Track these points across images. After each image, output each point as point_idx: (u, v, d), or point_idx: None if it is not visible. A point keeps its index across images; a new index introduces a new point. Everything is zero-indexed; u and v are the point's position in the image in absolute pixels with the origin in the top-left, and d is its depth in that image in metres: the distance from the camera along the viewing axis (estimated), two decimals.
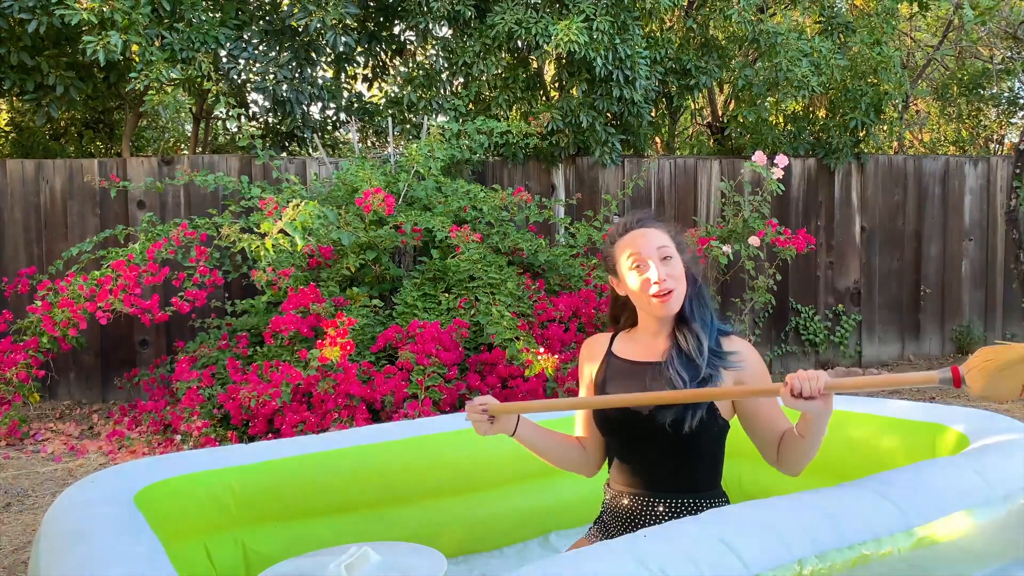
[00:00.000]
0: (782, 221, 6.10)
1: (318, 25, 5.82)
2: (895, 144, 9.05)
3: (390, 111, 6.57)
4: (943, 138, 10.71)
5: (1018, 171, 7.07)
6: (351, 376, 4.36)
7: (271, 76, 6.15)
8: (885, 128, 8.14)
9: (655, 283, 2.00)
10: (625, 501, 2.10)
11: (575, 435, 2.26)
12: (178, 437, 4.51)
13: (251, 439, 4.38)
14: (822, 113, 7.37)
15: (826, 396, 1.77)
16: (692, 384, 1.97)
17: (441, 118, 6.58)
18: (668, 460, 2.04)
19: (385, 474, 2.61)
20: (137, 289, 4.78)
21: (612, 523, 2.14)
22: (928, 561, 1.85)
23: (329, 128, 7.04)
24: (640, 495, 2.08)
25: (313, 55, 6.38)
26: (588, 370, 2.21)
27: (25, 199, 5.90)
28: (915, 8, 7.94)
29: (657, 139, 7.92)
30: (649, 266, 2.01)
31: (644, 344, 2.12)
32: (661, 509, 2.05)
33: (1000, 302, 7.51)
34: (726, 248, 5.44)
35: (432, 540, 2.43)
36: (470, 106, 6.54)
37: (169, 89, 5.45)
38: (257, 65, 6.22)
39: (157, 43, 5.53)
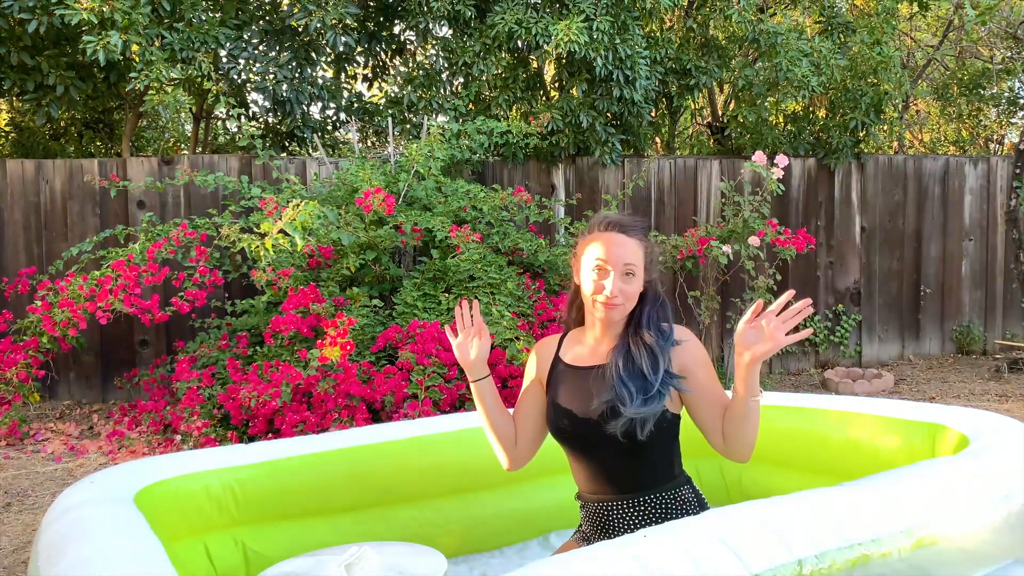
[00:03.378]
0: (782, 221, 6.10)
1: (318, 25, 5.82)
2: (895, 144, 9.05)
3: (390, 111, 6.57)
4: (943, 138, 10.71)
5: (1018, 171, 7.07)
6: (351, 376, 4.36)
7: (271, 76, 6.15)
8: (885, 128, 8.14)
9: (606, 294, 2.00)
10: (593, 508, 2.12)
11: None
12: (178, 437, 4.51)
13: (251, 439, 4.38)
14: (822, 113, 7.37)
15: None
16: (639, 397, 1.96)
17: (441, 118, 6.58)
18: (622, 463, 2.05)
19: (385, 474, 2.61)
20: (137, 289, 4.78)
21: (590, 531, 2.17)
22: (928, 561, 1.85)
23: (329, 128, 7.04)
24: (602, 500, 2.10)
25: (313, 55, 6.38)
26: (537, 372, 2.20)
27: (25, 199, 5.90)
28: (915, 8, 7.94)
29: (657, 139, 7.92)
30: (608, 274, 2.01)
31: (589, 347, 2.12)
32: (626, 509, 2.06)
33: (1000, 302, 7.51)
34: (726, 248, 5.44)
35: (432, 540, 2.44)
36: (470, 106, 6.54)
37: (169, 89, 5.45)
38: (257, 65, 6.22)
39: (157, 43, 5.53)
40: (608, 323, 2.06)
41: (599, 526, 2.11)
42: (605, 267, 2.01)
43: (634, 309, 2.07)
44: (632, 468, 2.05)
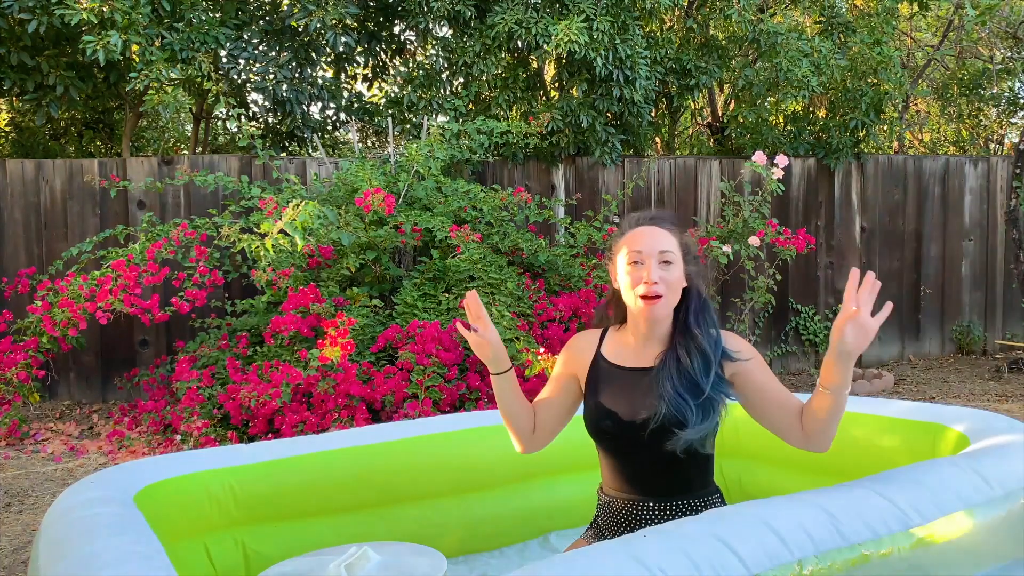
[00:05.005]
0: (782, 221, 6.10)
1: (318, 25, 5.82)
2: (895, 144, 9.05)
3: (390, 111, 6.57)
4: (943, 138, 10.71)
5: (1018, 171, 7.07)
6: (351, 376, 4.36)
7: (271, 76, 6.15)
8: (885, 128, 8.14)
9: (645, 283, 1.94)
10: (619, 506, 2.09)
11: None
12: (178, 437, 4.51)
13: (251, 439, 4.38)
14: (822, 113, 7.37)
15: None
16: (694, 405, 1.92)
17: (441, 118, 6.58)
18: (659, 469, 2.02)
19: (385, 474, 2.61)
20: (137, 289, 4.78)
21: (607, 526, 2.13)
22: (928, 561, 1.84)
23: (329, 128, 7.04)
24: (634, 500, 2.06)
25: (313, 55, 6.38)
26: (573, 365, 2.14)
27: (25, 199, 5.90)
28: (915, 8, 7.94)
29: (657, 139, 7.92)
30: (645, 264, 1.95)
31: (634, 348, 2.06)
32: (655, 512, 2.04)
33: (1000, 302, 7.51)
34: (726, 248, 5.43)
35: (432, 540, 2.43)
36: (470, 106, 6.54)
37: (169, 89, 5.45)
38: (257, 65, 6.22)
39: (157, 43, 5.53)
40: (652, 321, 1.99)
41: (622, 524, 2.08)
42: (642, 256, 1.96)
43: (678, 309, 2.01)
44: (669, 474, 2.02)
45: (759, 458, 3.00)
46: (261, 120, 6.91)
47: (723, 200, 5.93)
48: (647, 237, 1.98)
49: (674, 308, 2.02)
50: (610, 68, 6.02)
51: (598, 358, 2.11)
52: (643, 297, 1.95)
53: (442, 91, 6.56)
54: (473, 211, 5.40)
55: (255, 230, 4.88)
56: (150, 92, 5.40)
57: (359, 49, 6.85)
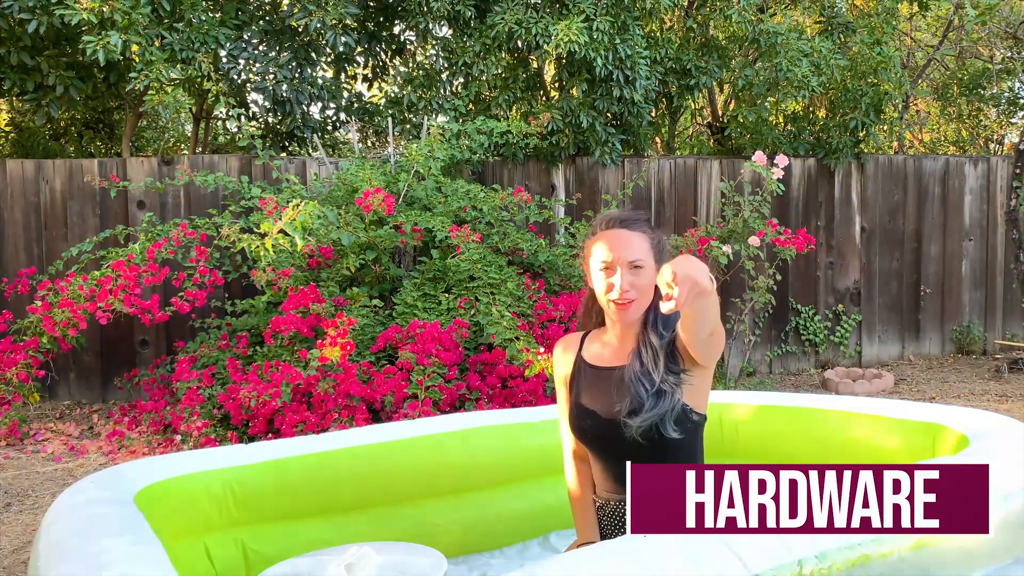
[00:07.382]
0: (782, 221, 6.10)
1: (318, 25, 5.82)
2: (895, 144, 9.05)
3: (390, 111, 6.57)
4: (943, 138, 10.70)
5: (1018, 171, 7.07)
6: (351, 376, 4.36)
7: (271, 76, 6.15)
8: (885, 128, 8.14)
9: (617, 289, 1.99)
10: (612, 507, 2.11)
11: (571, 446, 2.22)
12: (178, 437, 4.51)
13: (251, 439, 4.38)
14: (822, 113, 7.36)
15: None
16: (650, 395, 1.96)
17: (441, 118, 6.58)
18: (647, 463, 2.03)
19: (385, 474, 2.61)
20: (137, 289, 4.78)
21: (604, 528, 2.15)
22: (928, 561, 1.85)
23: (329, 128, 7.04)
24: (623, 500, 2.07)
25: (313, 55, 6.38)
26: (561, 371, 2.21)
27: (25, 199, 5.90)
28: (915, 8, 7.94)
29: (657, 139, 7.92)
30: (616, 271, 2.00)
31: (612, 348, 2.12)
32: None
33: (1000, 302, 7.51)
34: (726, 248, 5.43)
35: (432, 540, 2.43)
36: (470, 106, 6.54)
37: (169, 89, 5.44)
38: (257, 65, 6.22)
39: (157, 43, 5.53)
40: (626, 322, 2.05)
41: (617, 526, 2.10)
42: (612, 266, 2.01)
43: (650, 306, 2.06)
44: None
45: (758, 459, 3.00)
46: (261, 120, 6.91)
47: (723, 200, 5.93)
48: (617, 244, 2.02)
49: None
50: (610, 68, 6.02)
51: (579, 361, 2.17)
52: (614, 302, 2.01)
53: (442, 91, 6.56)
54: (473, 211, 5.40)
55: (255, 230, 4.88)
56: (150, 92, 5.39)
57: (359, 49, 6.85)
